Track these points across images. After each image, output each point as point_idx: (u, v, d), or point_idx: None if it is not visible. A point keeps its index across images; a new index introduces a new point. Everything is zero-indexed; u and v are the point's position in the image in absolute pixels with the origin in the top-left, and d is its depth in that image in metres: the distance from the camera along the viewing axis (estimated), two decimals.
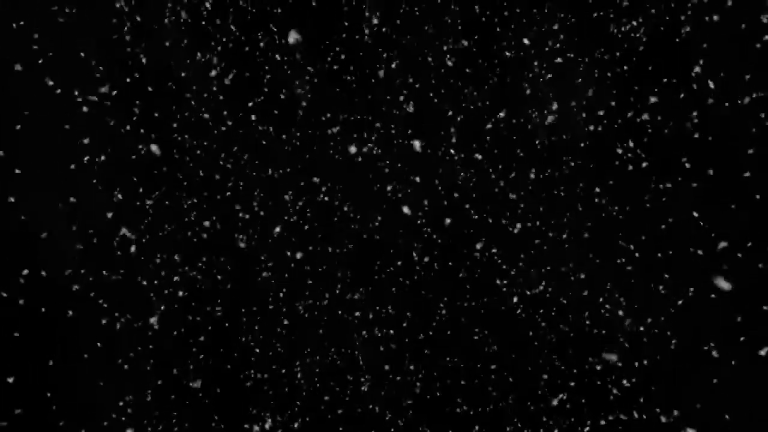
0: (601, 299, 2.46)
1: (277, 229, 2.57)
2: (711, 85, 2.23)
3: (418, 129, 2.56)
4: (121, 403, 2.43)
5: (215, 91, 2.52)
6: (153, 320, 2.48)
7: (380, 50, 2.49)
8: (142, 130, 2.47)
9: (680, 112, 2.35)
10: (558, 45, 2.47)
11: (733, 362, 2.30)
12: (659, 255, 2.39)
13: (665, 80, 2.37)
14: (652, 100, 2.40)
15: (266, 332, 2.55)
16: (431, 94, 2.55)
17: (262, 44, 2.51)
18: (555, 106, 2.49)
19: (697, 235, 2.34)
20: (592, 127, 2.48)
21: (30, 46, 2.34)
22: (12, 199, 2.33)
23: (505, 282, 2.53)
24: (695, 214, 2.32)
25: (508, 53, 2.48)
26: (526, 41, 2.42)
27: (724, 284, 2.13)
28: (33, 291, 2.36)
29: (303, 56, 2.49)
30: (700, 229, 2.33)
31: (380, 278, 2.58)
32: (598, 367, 2.47)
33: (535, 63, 2.49)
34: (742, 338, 2.29)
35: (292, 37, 2.18)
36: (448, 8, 2.50)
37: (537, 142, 2.51)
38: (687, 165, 2.31)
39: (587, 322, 2.47)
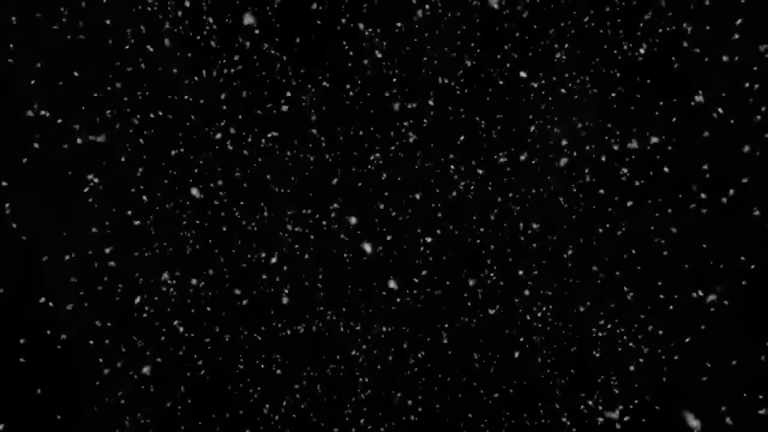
0: (604, 326, 2.48)
1: (278, 249, 2.55)
2: (720, 110, 2.21)
3: (422, 149, 2.54)
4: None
5: (217, 110, 2.48)
6: (151, 346, 2.47)
7: (384, 77, 2.47)
8: (143, 156, 2.44)
9: (685, 138, 2.34)
10: (561, 68, 2.44)
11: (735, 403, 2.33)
12: (660, 283, 2.39)
13: (666, 104, 2.35)
14: (657, 123, 2.38)
15: (265, 351, 2.55)
16: (433, 113, 2.52)
17: (262, 63, 2.47)
18: (560, 132, 2.47)
19: (703, 266, 2.34)
20: (593, 149, 2.46)
21: (32, 70, 2.30)
22: (14, 225, 2.30)
23: (506, 304, 2.53)
24: (704, 245, 2.32)
25: (504, 79, 2.46)
26: (523, 74, 2.40)
27: (694, 422, 2.16)
28: (28, 319, 2.35)
29: (303, 77, 2.45)
30: (705, 258, 2.33)
31: (381, 297, 2.58)
32: (589, 402, 2.49)
33: (537, 86, 2.46)
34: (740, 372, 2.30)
35: (247, 20, 2.15)
36: (452, 32, 2.47)
37: (537, 165, 2.49)
38: (700, 194, 2.31)
39: (592, 353, 2.49)
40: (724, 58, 2.26)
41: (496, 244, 2.54)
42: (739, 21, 2.21)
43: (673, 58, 2.33)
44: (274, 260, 2.55)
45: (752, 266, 2.30)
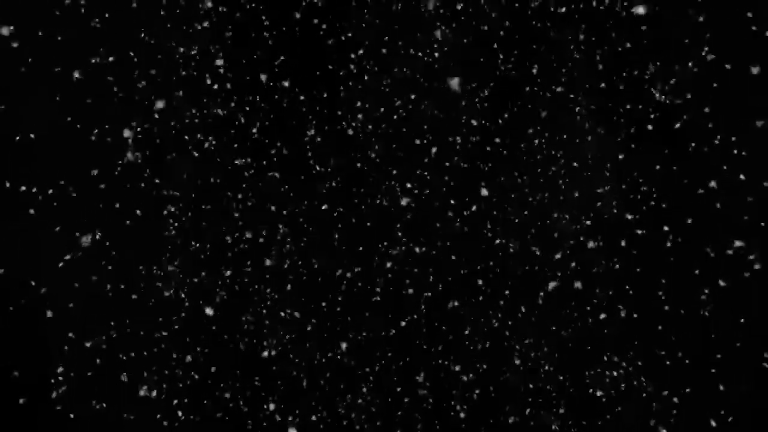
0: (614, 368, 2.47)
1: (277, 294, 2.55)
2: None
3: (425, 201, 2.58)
4: None
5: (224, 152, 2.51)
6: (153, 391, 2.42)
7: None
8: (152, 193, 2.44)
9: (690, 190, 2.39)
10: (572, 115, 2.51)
11: None
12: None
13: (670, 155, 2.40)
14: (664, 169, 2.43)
15: (259, 396, 2.52)
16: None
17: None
18: (571, 185, 2.52)
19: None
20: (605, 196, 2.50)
21: (40, 119, 2.32)
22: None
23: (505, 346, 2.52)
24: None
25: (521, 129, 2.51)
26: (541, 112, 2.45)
27: None
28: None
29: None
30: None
31: (383, 336, 2.56)
32: None
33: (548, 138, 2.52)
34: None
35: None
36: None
37: (549, 222, 2.52)
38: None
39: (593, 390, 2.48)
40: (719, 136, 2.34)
41: (495, 292, 2.56)
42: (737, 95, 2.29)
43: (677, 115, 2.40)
44: (271, 309, 2.54)
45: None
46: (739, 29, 2.28)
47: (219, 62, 2.46)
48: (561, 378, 2.49)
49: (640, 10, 2.05)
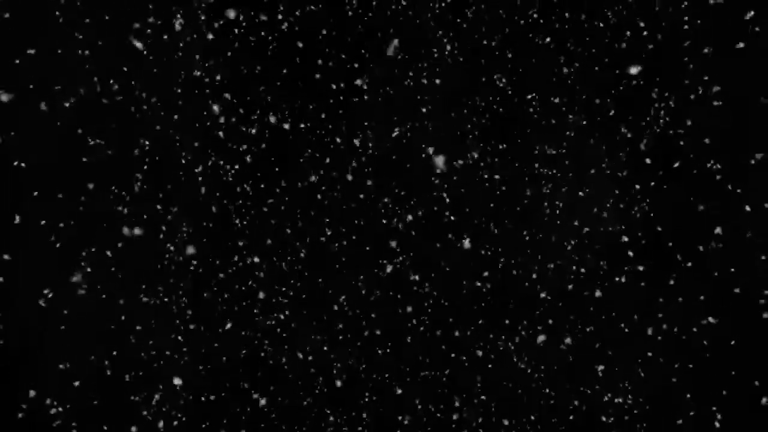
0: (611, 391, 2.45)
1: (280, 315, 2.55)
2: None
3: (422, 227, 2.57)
4: None
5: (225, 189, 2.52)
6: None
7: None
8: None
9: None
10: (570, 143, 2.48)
11: None
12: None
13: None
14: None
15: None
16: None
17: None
18: (568, 210, 2.50)
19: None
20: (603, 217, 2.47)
21: (38, 157, 2.32)
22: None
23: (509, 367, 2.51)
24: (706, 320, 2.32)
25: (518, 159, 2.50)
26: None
27: None
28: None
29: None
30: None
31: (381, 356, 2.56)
32: None
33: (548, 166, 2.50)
34: None
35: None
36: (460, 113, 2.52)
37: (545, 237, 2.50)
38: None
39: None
40: (716, 164, 2.32)
41: (498, 311, 2.54)
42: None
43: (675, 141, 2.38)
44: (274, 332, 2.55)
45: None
46: (741, 60, 2.25)
47: (219, 83, 2.46)
48: (563, 397, 2.49)
49: (633, 70, 2.03)
